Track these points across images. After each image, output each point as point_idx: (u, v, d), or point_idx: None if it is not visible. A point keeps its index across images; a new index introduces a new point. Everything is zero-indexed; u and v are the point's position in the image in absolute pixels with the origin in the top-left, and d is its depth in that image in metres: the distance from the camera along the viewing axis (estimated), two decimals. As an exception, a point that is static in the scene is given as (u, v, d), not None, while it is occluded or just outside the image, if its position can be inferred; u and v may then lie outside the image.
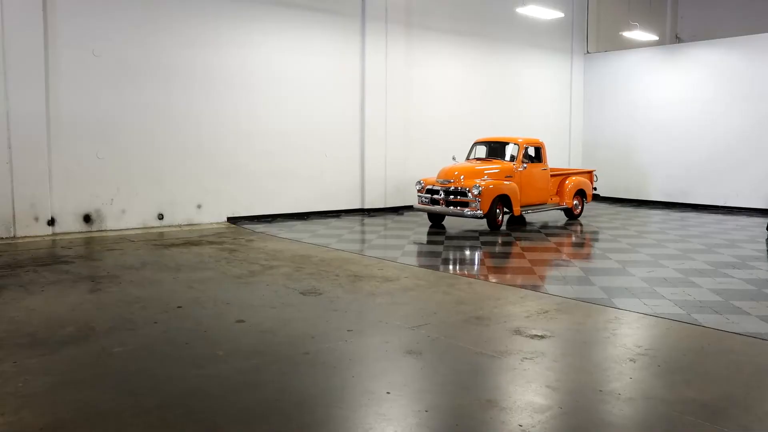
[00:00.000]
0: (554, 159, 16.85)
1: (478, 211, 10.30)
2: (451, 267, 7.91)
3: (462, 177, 10.67)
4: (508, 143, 11.76)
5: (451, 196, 10.61)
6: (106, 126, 9.89)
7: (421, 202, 11.10)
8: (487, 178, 10.85)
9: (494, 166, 11.18)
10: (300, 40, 11.98)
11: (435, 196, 10.81)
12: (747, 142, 14.25)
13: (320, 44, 12.27)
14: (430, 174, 12.13)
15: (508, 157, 11.54)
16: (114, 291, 6.19)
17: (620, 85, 16.70)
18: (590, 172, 13.27)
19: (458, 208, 10.54)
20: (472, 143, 12.01)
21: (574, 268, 7.62)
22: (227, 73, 11.12)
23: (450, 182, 10.66)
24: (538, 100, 16.59)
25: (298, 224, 11.38)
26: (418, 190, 11.14)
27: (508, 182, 10.93)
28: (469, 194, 10.32)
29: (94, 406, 3.55)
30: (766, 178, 13.98)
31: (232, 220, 11.36)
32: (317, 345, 4.64)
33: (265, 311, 5.54)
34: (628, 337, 4.96)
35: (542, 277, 7.19)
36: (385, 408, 3.59)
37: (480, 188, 10.24)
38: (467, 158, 11.75)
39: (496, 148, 11.82)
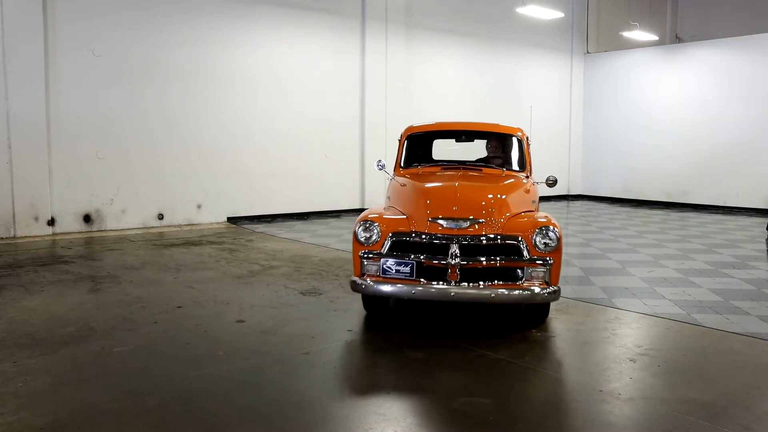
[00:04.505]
0: (555, 159, 16.90)
1: (549, 290, 4.83)
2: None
3: (494, 210, 4.99)
4: (480, 133, 6.84)
5: (475, 258, 4.79)
6: (106, 126, 9.89)
7: (381, 276, 4.91)
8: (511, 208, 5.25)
9: (507, 182, 5.80)
10: (300, 40, 11.98)
11: (426, 258, 4.81)
12: (747, 142, 14.25)
13: (320, 44, 12.27)
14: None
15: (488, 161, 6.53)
16: (114, 291, 6.19)
17: (620, 85, 16.69)
18: None
19: (495, 283, 4.77)
20: (404, 135, 6.59)
21: (575, 268, 7.62)
22: (227, 73, 11.12)
23: (472, 224, 4.84)
24: (538, 100, 16.60)
25: (298, 224, 11.38)
26: (367, 246, 4.94)
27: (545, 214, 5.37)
28: (525, 249, 4.81)
29: (94, 406, 3.55)
30: (766, 178, 13.98)
31: (232, 220, 11.36)
32: (317, 345, 4.64)
33: (265, 311, 5.54)
34: (628, 337, 4.96)
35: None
36: (385, 408, 3.59)
37: (557, 233, 4.87)
38: (401, 164, 6.35)
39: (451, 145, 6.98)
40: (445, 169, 6.26)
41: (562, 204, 16.01)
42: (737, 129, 14.40)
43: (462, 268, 4.75)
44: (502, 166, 6.30)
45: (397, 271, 4.90)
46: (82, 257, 7.94)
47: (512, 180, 5.88)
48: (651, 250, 8.89)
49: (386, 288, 4.86)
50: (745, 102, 14.25)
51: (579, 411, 3.62)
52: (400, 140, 6.63)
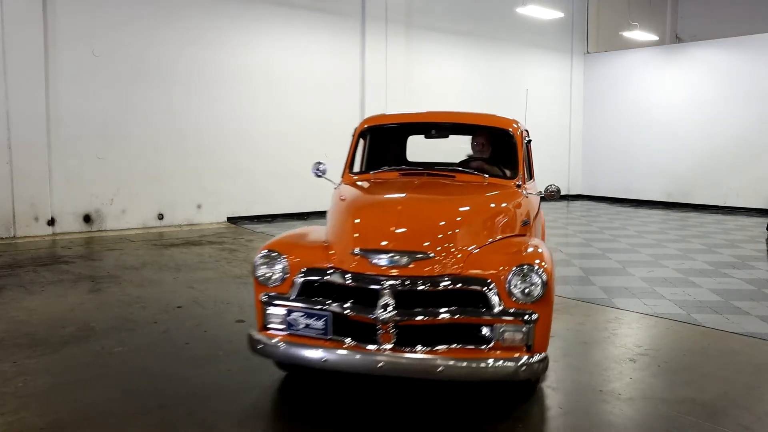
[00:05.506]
0: (555, 159, 16.90)
1: (529, 361, 3.24)
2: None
3: (454, 237, 3.47)
4: (459, 127, 5.36)
5: (420, 311, 3.26)
6: (106, 126, 9.89)
7: (290, 335, 3.45)
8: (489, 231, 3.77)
9: (486, 195, 4.27)
10: (300, 40, 11.98)
11: (349, 309, 3.31)
12: (747, 142, 14.25)
13: (320, 44, 12.27)
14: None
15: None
16: (114, 291, 6.19)
17: (620, 85, 16.70)
18: None
19: (448, 349, 3.26)
20: (359, 129, 5.14)
21: (574, 268, 7.62)
22: (227, 73, 11.12)
23: (416, 259, 3.31)
24: (538, 99, 16.59)
25: (298, 224, 11.38)
26: (268, 286, 3.51)
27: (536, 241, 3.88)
28: (495, 298, 3.25)
29: (94, 406, 3.55)
30: (766, 178, 13.98)
31: (232, 220, 11.36)
32: (317, 345, 4.63)
33: (265, 311, 5.53)
34: (628, 337, 4.96)
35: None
36: (385, 407, 3.59)
37: (543, 275, 3.26)
38: (352, 168, 5.17)
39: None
40: (404, 174, 4.69)
41: (562, 204, 16.01)
42: (737, 129, 14.40)
43: (399, 325, 3.25)
44: (486, 170, 4.72)
45: (307, 326, 3.39)
46: (82, 257, 7.94)
47: (495, 191, 4.30)
48: (651, 250, 8.89)
49: (289, 350, 3.37)
50: (745, 102, 14.25)
51: (579, 411, 3.62)
52: (353, 135, 5.02)
